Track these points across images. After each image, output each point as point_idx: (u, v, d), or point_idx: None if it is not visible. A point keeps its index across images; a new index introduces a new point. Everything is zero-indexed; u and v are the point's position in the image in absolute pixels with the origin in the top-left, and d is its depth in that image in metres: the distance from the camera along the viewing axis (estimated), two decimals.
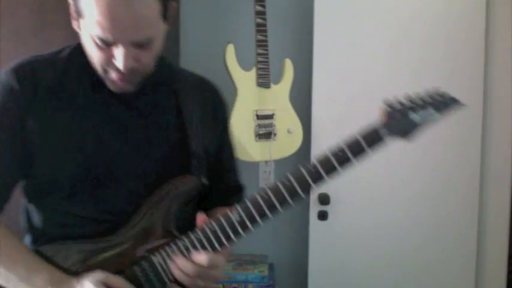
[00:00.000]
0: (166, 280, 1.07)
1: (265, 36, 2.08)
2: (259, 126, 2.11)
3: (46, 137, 1.06)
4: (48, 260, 1.06)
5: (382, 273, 2.23)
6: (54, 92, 1.08)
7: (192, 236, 1.06)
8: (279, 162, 2.24)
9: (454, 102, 1.03)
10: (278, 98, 2.15)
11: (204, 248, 1.05)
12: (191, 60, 2.43)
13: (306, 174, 1.02)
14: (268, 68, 2.10)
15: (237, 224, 1.04)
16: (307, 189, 1.03)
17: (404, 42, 2.18)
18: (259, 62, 2.09)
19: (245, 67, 2.09)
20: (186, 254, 1.05)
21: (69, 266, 1.06)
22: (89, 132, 1.08)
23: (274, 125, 2.13)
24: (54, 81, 1.09)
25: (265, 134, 2.12)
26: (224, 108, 1.28)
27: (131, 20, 0.96)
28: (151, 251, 1.07)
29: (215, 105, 1.25)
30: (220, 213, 1.08)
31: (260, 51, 2.08)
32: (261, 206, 1.03)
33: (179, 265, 1.04)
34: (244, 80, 2.09)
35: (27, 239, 1.14)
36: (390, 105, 1.01)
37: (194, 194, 1.14)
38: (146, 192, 1.09)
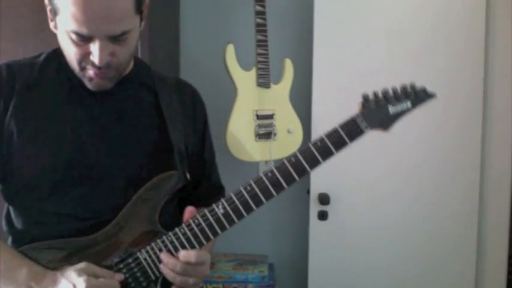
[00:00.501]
0: (152, 276, 1.08)
1: (265, 36, 2.08)
2: (259, 126, 2.11)
3: (24, 137, 1.07)
4: (30, 258, 1.06)
5: (382, 273, 2.23)
6: (31, 93, 1.09)
7: (178, 232, 1.07)
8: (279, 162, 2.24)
9: (429, 95, 1.11)
10: (278, 98, 2.15)
11: (190, 242, 1.07)
12: (191, 60, 2.44)
13: (288, 166, 1.05)
14: (268, 68, 2.10)
15: (222, 217, 1.06)
16: (290, 180, 1.06)
17: (404, 42, 2.18)
18: (259, 62, 2.09)
19: (245, 67, 2.09)
20: (172, 250, 1.07)
21: (51, 264, 1.06)
22: (67, 131, 1.09)
23: (274, 125, 2.13)
24: (31, 82, 1.10)
25: (265, 134, 2.12)
26: (204, 108, 1.30)
27: (105, 12, 0.97)
28: (137, 247, 1.08)
29: (195, 104, 1.26)
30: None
31: (260, 51, 2.08)
32: (245, 198, 1.06)
33: (167, 263, 1.05)
34: (244, 80, 2.09)
35: (9, 241, 1.14)
36: (368, 98, 1.09)
37: (178, 189, 1.14)
38: (127, 189, 1.10)
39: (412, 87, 1.11)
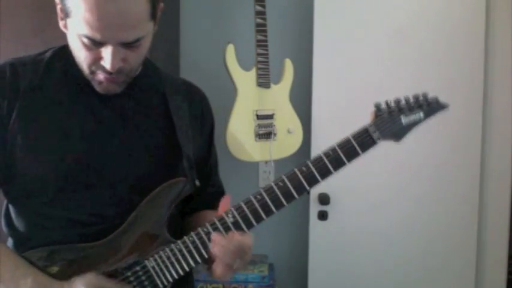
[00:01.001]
0: (160, 285, 1.06)
1: (265, 36, 2.08)
2: (259, 126, 2.11)
3: (29, 140, 1.04)
4: (34, 265, 1.03)
5: (382, 273, 2.23)
6: (36, 94, 1.06)
7: (187, 240, 1.05)
8: (279, 162, 2.24)
9: (441, 106, 1.09)
10: (278, 98, 2.15)
11: (198, 251, 1.05)
12: (191, 60, 2.44)
13: (299, 175, 1.03)
14: (268, 68, 2.10)
15: (231, 226, 1.04)
16: (301, 190, 1.04)
17: (404, 42, 2.18)
18: (259, 62, 2.09)
19: (245, 67, 2.09)
20: (180, 258, 1.05)
21: (56, 271, 1.03)
22: (73, 134, 1.06)
23: (274, 125, 2.13)
24: (35, 82, 1.06)
25: (265, 134, 2.12)
26: (211, 112, 1.27)
27: (121, 19, 0.94)
28: (145, 255, 1.06)
29: (203, 109, 1.24)
30: (209, 217, 1.07)
31: (260, 51, 2.08)
32: (255, 207, 1.03)
33: (219, 242, 1.02)
34: (244, 80, 2.09)
35: (9, 243, 1.11)
36: (380, 108, 1.06)
37: (186, 196, 1.12)
38: (133, 194, 1.07)
39: (425, 97, 1.08)
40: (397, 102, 1.06)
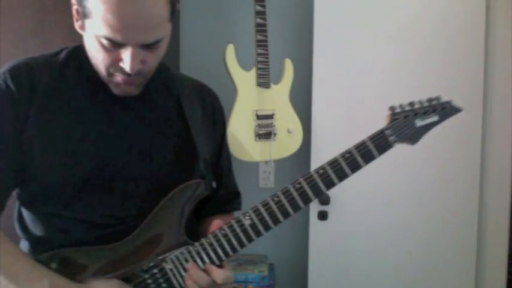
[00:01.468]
0: (177, 286, 1.05)
1: (265, 36, 2.08)
2: (259, 126, 2.11)
3: (45, 142, 1.02)
4: (50, 268, 1.02)
5: (382, 273, 2.23)
6: (52, 95, 1.04)
7: (205, 242, 1.04)
8: (279, 162, 2.24)
9: (455, 109, 1.09)
10: (278, 98, 2.15)
11: (216, 253, 1.04)
12: (191, 60, 2.44)
13: (316, 177, 1.02)
14: (268, 68, 2.10)
15: (249, 228, 1.03)
16: (318, 193, 1.03)
17: (404, 42, 2.18)
18: (259, 62, 2.09)
19: (245, 67, 2.09)
20: (198, 261, 1.04)
21: (73, 273, 1.02)
22: (90, 136, 1.05)
23: (274, 125, 2.13)
24: (51, 84, 1.05)
25: (265, 134, 2.12)
26: (223, 114, 1.27)
27: (141, 20, 0.93)
28: (163, 258, 1.05)
29: (215, 110, 1.24)
30: (223, 220, 1.07)
31: (260, 51, 2.08)
32: (272, 209, 1.03)
33: (192, 275, 1.02)
34: (244, 80, 2.09)
35: (24, 246, 1.10)
36: (396, 111, 1.06)
37: (202, 198, 1.11)
38: (150, 196, 1.06)
39: (439, 100, 1.09)
40: (412, 105, 1.06)
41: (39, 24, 1.79)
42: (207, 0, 2.45)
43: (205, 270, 1.03)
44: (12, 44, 1.79)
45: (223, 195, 1.25)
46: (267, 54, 2.09)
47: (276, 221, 1.03)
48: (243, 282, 2.16)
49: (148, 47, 0.98)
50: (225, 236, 1.04)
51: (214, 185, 1.14)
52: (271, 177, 2.44)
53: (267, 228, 1.04)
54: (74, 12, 1.01)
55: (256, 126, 2.10)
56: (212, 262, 1.04)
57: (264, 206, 1.03)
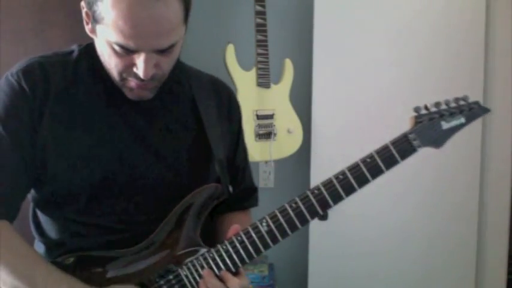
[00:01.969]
0: None
1: (265, 36, 2.08)
2: (259, 126, 2.11)
3: (59, 145, 1.00)
4: (67, 271, 1.00)
5: (382, 273, 2.23)
6: (65, 98, 1.02)
7: (221, 249, 1.02)
8: (279, 162, 2.24)
9: (484, 110, 1.03)
10: (278, 98, 2.15)
11: (232, 260, 1.02)
12: (191, 60, 2.43)
13: (336, 183, 1.00)
14: (268, 68, 2.10)
15: (265, 235, 1.01)
16: (337, 199, 1.02)
17: (405, 41, 2.18)
18: (259, 62, 2.09)
19: (245, 67, 2.09)
20: (214, 267, 1.02)
21: (88, 277, 1.00)
22: (105, 140, 1.02)
23: (274, 125, 2.13)
24: (65, 85, 1.02)
25: (265, 134, 2.12)
26: (239, 110, 1.25)
27: (155, 26, 0.90)
28: (178, 263, 1.03)
29: (230, 106, 1.21)
30: (240, 221, 1.06)
31: (260, 51, 2.08)
32: (290, 216, 1.00)
33: (207, 282, 1.00)
34: (244, 80, 2.09)
35: (40, 248, 1.09)
36: (420, 112, 1.01)
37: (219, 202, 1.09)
38: (166, 200, 1.04)
39: (466, 100, 1.03)
40: (437, 105, 1.00)
41: (39, 24, 1.79)
42: (207, 0, 2.45)
43: (220, 278, 1.01)
44: (12, 44, 1.79)
45: (239, 192, 1.22)
46: (267, 54, 2.09)
47: (294, 228, 1.01)
48: None
49: (163, 51, 0.95)
50: (242, 242, 1.02)
51: (231, 189, 1.11)
52: (271, 177, 2.44)
53: (284, 235, 1.01)
54: (84, 15, 0.98)
55: (256, 126, 2.10)
56: (228, 269, 1.02)
57: (281, 212, 1.01)
